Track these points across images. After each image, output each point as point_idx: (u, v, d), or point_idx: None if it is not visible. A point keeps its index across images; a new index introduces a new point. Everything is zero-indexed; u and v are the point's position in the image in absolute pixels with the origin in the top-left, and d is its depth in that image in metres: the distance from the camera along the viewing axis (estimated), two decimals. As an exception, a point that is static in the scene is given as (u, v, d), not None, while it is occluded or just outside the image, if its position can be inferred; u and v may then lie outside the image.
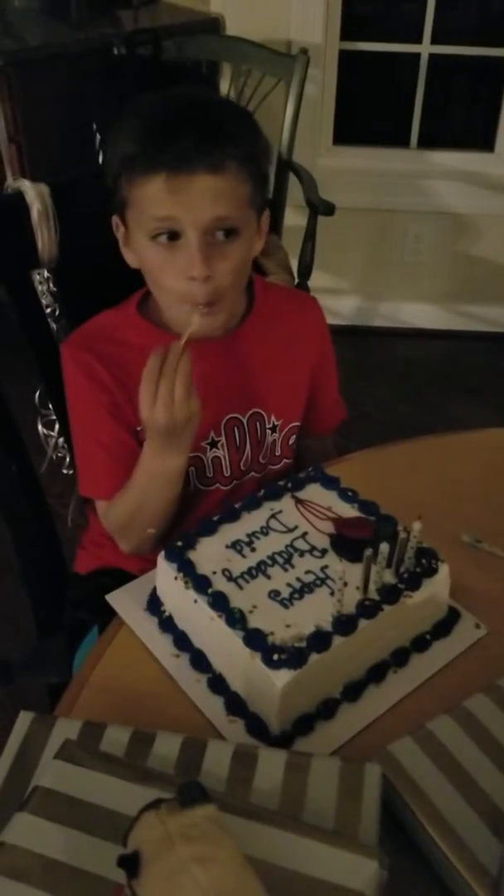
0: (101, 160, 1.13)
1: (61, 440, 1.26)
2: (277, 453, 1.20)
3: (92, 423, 1.12)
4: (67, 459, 1.26)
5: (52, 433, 1.25)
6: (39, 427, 1.25)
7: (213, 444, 1.15)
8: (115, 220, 1.08)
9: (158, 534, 1.13)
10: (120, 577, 1.20)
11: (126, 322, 1.13)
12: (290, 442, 1.21)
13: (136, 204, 1.01)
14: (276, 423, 1.18)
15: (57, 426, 1.25)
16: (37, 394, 1.25)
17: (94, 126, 2.22)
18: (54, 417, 1.24)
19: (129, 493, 1.09)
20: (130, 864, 0.55)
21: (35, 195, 1.16)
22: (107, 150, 1.04)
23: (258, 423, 1.16)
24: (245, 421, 1.16)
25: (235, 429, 1.15)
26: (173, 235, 1.00)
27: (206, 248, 0.99)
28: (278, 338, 1.17)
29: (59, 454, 1.27)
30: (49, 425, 1.25)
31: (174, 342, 0.94)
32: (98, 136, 2.24)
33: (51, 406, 1.24)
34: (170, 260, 1.01)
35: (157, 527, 1.12)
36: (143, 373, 0.94)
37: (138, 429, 1.09)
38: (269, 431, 1.17)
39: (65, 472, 1.27)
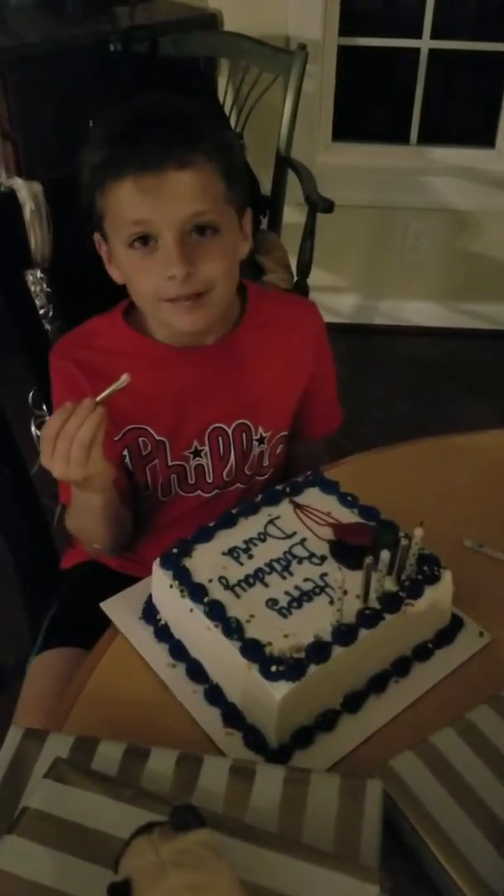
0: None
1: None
2: (265, 464, 1.17)
3: None
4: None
5: (44, 434, 1.24)
6: (32, 428, 1.23)
7: (197, 454, 1.12)
8: (97, 237, 1.06)
9: (109, 547, 1.14)
10: (97, 569, 1.22)
11: (112, 329, 1.11)
12: (278, 451, 1.18)
13: (110, 212, 0.99)
14: (263, 435, 1.15)
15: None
16: (30, 394, 1.23)
17: (90, 123, 2.20)
18: (48, 418, 1.22)
19: (70, 509, 1.11)
20: (121, 892, 0.53)
21: (28, 194, 1.15)
22: (80, 168, 1.02)
23: (244, 435, 1.14)
24: (230, 432, 1.13)
25: (220, 438, 1.13)
26: (146, 240, 0.98)
27: (183, 247, 0.97)
28: (272, 346, 1.14)
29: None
30: (42, 426, 1.23)
31: (87, 398, 0.90)
32: (94, 134, 2.22)
33: (44, 407, 1.22)
34: (147, 264, 0.99)
35: (102, 544, 1.14)
36: (44, 427, 0.92)
37: (116, 439, 1.08)
38: (255, 443, 1.15)
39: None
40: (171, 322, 1.03)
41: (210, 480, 1.15)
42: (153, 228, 0.97)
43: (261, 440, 1.15)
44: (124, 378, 0.91)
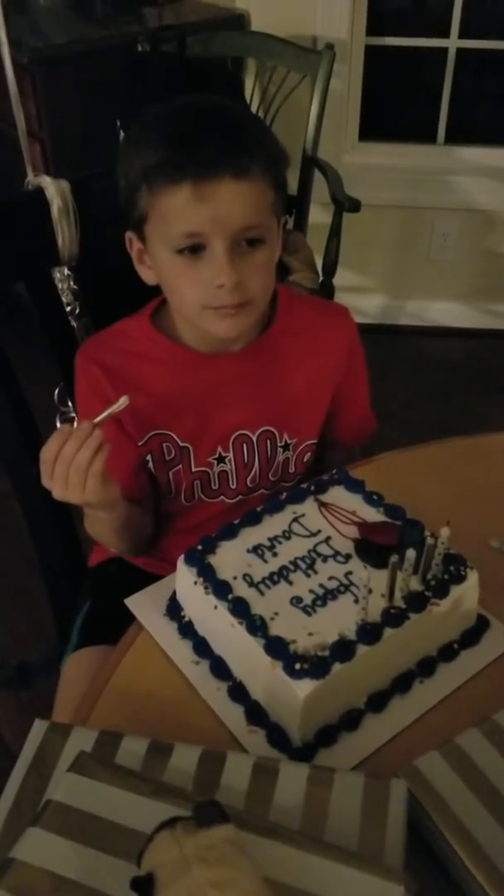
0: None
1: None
2: (291, 471, 1.16)
3: None
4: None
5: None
6: (58, 424, 1.23)
7: (221, 460, 1.11)
8: (129, 236, 1.04)
9: (126, 550, 1.14)
10: (124, 567, 1.22)
11: (138, 331, 1.10)
12: (305, 459, 1.17)
13: (159, 216, 0.97)
14: (289, 442, 1.14)
15: (75, 424, 1.23)
16: (56, 391, 1.23)
17: (118, 123, 2.21)
18: (73, 415, 1.22)
19: (85, 516, 1.10)
20: (144, 887, 0.53)
21: (55, 191, 1.15)
22: (121, 164, 1.00)
23: (269, 441, 1.13)
24: (255, 439, 1.12)
25: (244, 445, 1.12)
26: (196, 249, 0.96)
27: (232, 256, 0.95)
28: (302, 354, 1.12)
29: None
30: (67, 423, 1.23)
31: (84, 422, 0.89)
32: (121, 134, 2.22)
33: (70, 403, 1.23)
34: (194, 271, 0.97)
35: (118, 549, 1.14)
36: (42, 449, 0.91)
37: (140, 444, 1.08)
38: (280, 450, 1.14)
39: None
40: (210, 329, 1.01)
41: (234, 487, 1.14)
42: (204, 238, 0.95)
43: (286, 447, 1.14)
44: (122, 401, 0.90)
